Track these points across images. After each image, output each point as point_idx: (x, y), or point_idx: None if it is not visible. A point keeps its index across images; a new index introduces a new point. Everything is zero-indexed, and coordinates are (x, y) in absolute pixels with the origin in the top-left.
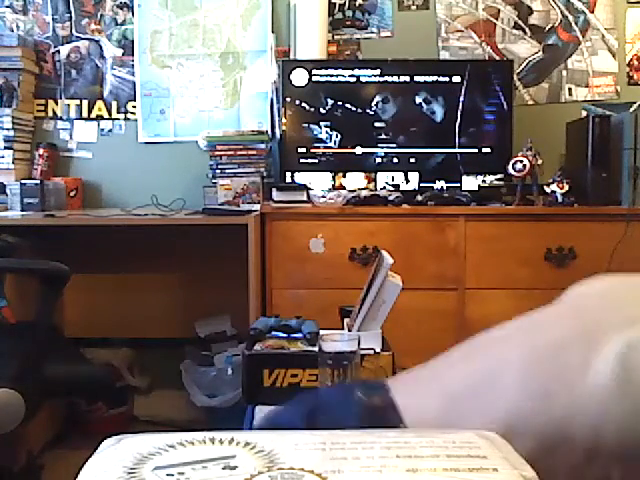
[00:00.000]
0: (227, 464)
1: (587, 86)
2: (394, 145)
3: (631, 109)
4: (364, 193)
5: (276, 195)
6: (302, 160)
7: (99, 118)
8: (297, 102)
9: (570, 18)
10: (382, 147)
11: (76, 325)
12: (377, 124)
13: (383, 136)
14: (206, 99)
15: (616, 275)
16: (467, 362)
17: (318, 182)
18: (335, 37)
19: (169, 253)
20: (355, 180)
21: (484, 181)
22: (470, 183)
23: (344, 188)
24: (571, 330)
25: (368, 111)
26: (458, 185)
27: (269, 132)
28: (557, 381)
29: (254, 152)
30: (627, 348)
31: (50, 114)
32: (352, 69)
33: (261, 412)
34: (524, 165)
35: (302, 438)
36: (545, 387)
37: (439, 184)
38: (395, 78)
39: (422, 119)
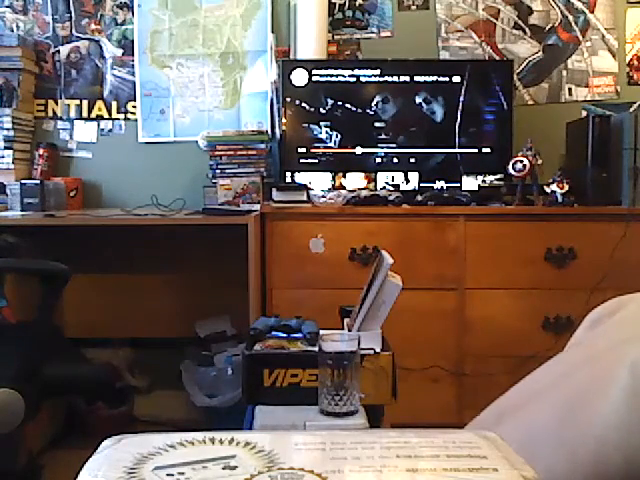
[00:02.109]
0: (227, 464)
1: (587, 86)
2: (394, 145)
3: (631, 109)
4: (364, 193)
5: (276, 195)
6: (302, 160)
7: (99, 118)
8: (297, 102)
9: (570, 18)
10: (382, 147)
11: (76, 325)
12: (377, 124)
13: (383, 136)
14: (206, 99)
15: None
16: (499, 429)
17: (318, 182)
18: (335, 37)
19: (169, 253)
20: (355, 180)
21: (484, 181)
22: (470, 183)
23: (344, 188)
24: (586, 379)
25: (368, 111)
26: (458, 185)
27: (269, 132)
28: (584, 432)
29: (254, 152)
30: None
31: (50, 114)
32: (352, 69)
33: (261, 412)
34: (524, 165)
35: (302, 438)
36: (575, 441)
37: (439, 184)
38: (395, 78)
39: (422, 119)
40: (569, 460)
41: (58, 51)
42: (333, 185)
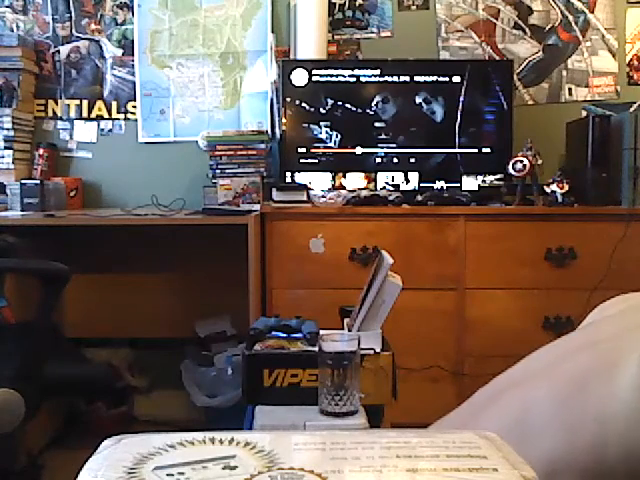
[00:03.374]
0: (227, 464)
1: (587, 86)
2: (394, 145)
3: (631, 109)
4: (364, 193)
5: (276, 195)
6: (302, 160)
7: (99, 118)
8: (297, 102)
9: (570, 18)
10: (382, 147)
11: (76, 325)
12: (377, 124)
13: (383, 136)
14: (206, 99)
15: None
16: (495, 406)
17: (318, 182)
18: (335, 37)
19: (169, 253)
20: (355, 180)
21: (484, 181)
22: (470, 183)
23: (344, 188)
24: (589, 361)
25: (368, 111)
26: (458, 185)
27: (269, 132)
28: (585, 414)
29: (254, 152)
30: None
31: (50, 114)
32: (352, 69)
33: (261, 412)
34: (524, 165)
35: (302, 438)
36: (575, 423)
37: (439, 184)
38: (395, 78)
39: (422, 119)
40: (568, 441)
41: (58, 51)
42: (333, 185)
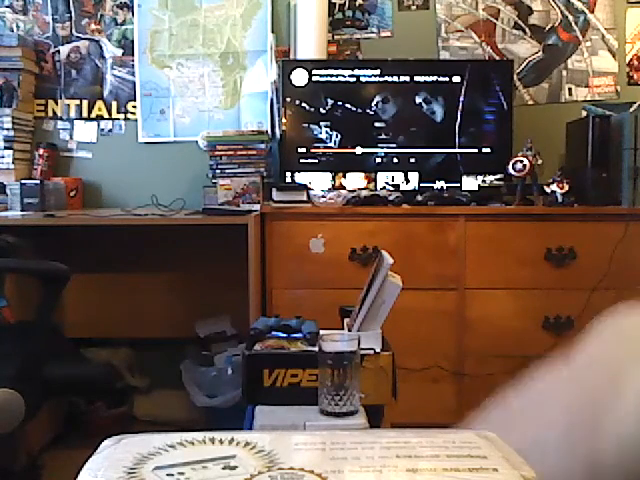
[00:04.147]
0: (227, 464)
1: (587, 86)
2: (394, 145)
3: (631, 109)
4: (364, 193)
5: (276, 195)
6: (302, 160)
7: (99, 118)
8: (297, 102)
9: (570, 18)
10: (382, 147)
11: (76, 325)
12: (377, 124)
13: (383, 136)
14: (206, 99)
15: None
16: (512, 428)
17: (318, 182)
18: (335, 37)
19: (169, 253)
20: (355, 180)
21: (484, 181)
22: (470, 183)
23: (344, 188)
24: (597, 383)
25: (368, 111)
26: (458, 185)
27: (269, 132)
28: (599, 433)
29: (254, 152)
30: None
31: (50, 114)
32: (352, 69)
33: (261, 412)
34: (524, 165)
35: (302, 438)
36: (587, 447)
37: (439, 184)
38: (395, 78)
39: (422, 119)
40: (586, 464)
41: (58, 51)
42: (333, 185)
